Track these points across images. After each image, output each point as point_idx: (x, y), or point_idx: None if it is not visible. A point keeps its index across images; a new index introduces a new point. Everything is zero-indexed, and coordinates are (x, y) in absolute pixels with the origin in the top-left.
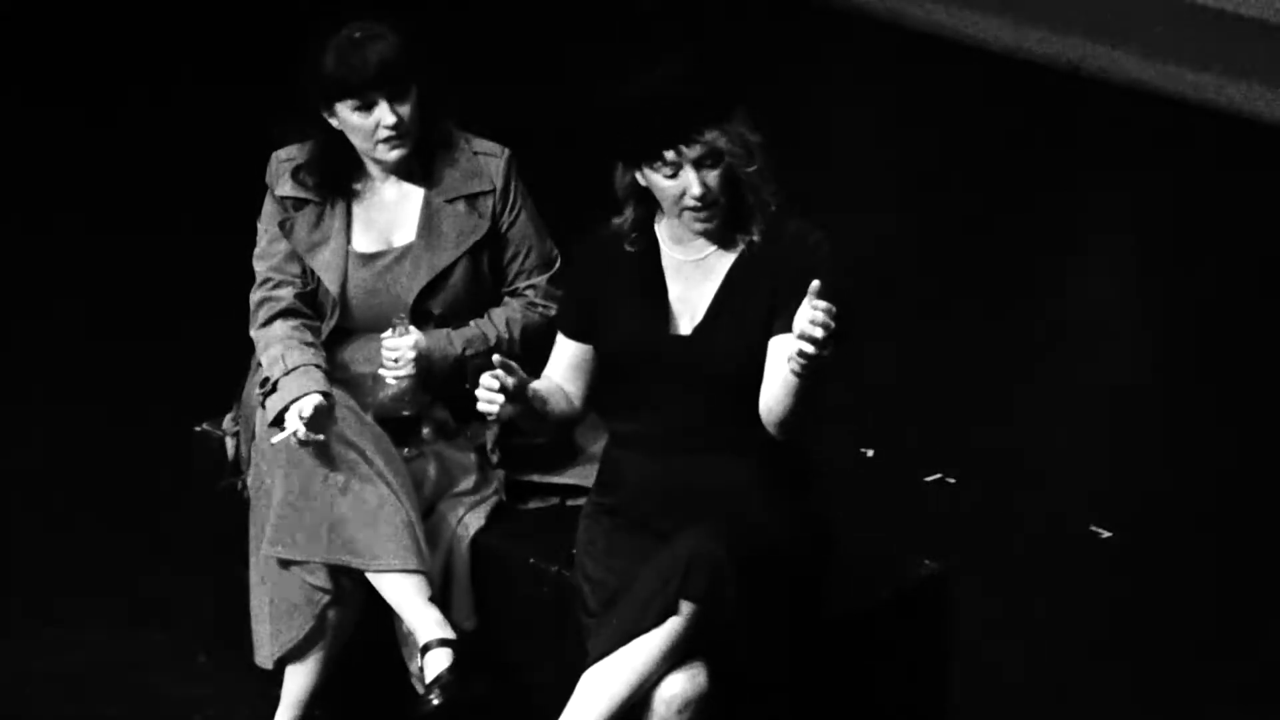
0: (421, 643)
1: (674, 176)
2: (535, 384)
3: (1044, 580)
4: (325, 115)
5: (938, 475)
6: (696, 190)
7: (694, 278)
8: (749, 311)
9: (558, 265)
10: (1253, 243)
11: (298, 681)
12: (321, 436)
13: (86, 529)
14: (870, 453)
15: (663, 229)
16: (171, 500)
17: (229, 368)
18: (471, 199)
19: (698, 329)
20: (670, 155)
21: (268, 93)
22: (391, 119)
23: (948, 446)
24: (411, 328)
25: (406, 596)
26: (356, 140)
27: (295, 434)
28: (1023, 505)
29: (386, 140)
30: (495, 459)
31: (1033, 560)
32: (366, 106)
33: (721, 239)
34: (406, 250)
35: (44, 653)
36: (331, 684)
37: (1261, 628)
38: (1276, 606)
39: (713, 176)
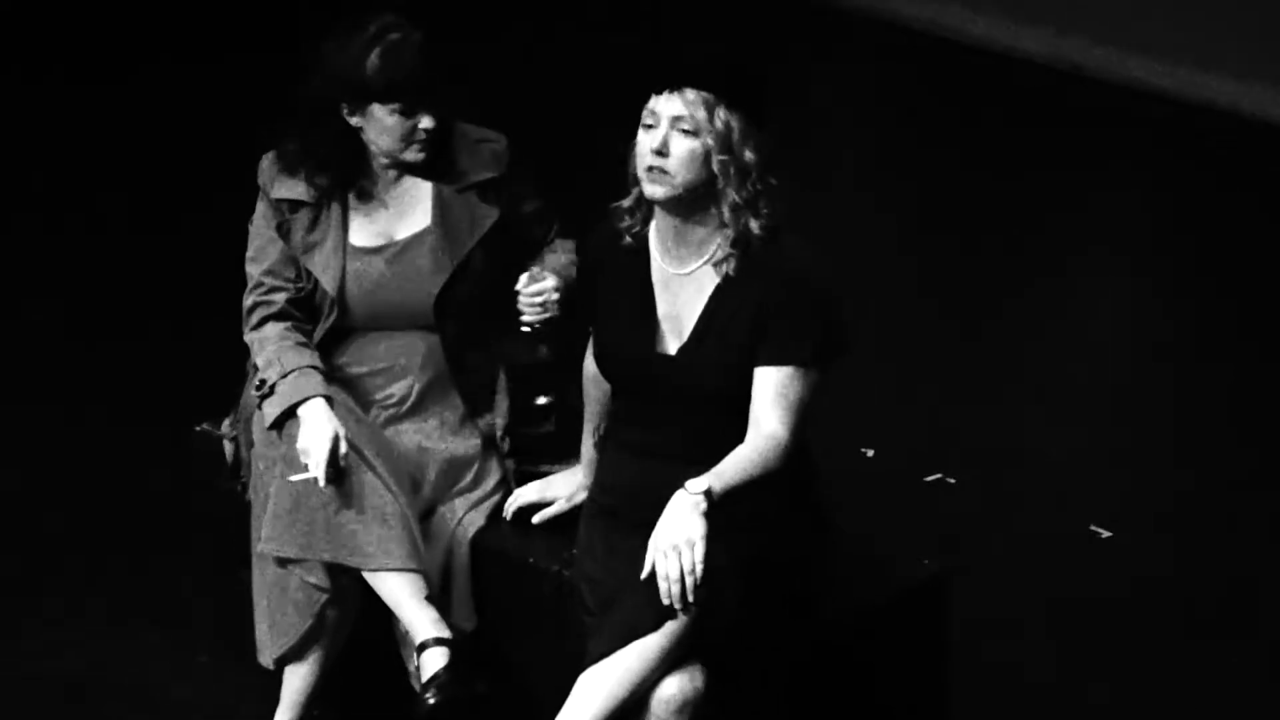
0: (418, 642)
1: (653, 129)
2: (594, 414)
3: (1044, 580)
4: (346, 111)
5: (938, 475)
6: (656, 142)
7: (682, 294)
8: (732, 333)
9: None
10: (1253, 243)
11: (297, 681)
12: (345, 461)
13: (86, 529)
14: (870, 453)
15: (654, 239)
16: (171, 500)
17: (229, 368)
18: (481, 187)
19: (683, 349)
20: (653, 104)
21: (267, 91)
22: (431, 124)
23: (948, 446)
24: (547, 272)
25: (403, 596)
26: (384, 139)
27: (317, 480)
28: (1023, 505)
29: (420, 143)
30: (506, 448)
31: (1033, 560)
32: (410, 111)
33: (689, 241)
34: (412, 243)
35: (44, 653)
36: (331, 684)
37: (1263, 628)
38: (1278, 606)
39: (680, 143)
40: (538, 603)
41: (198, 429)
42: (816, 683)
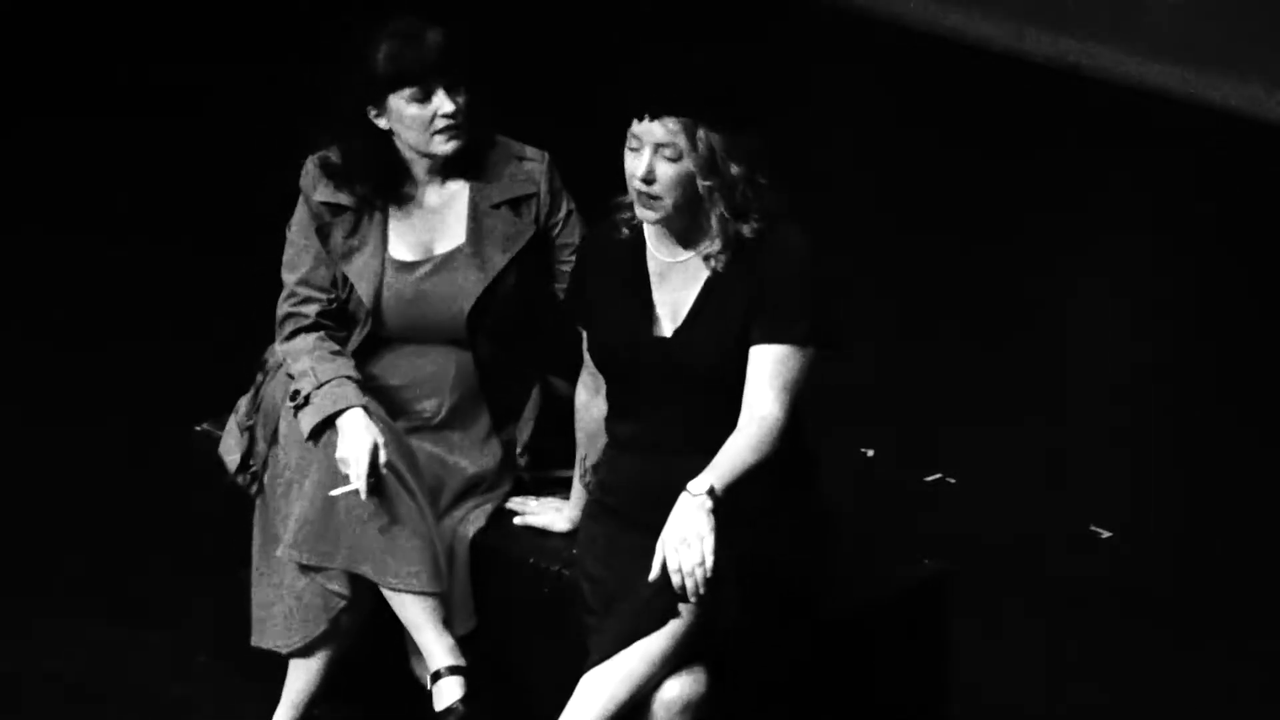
0: (432, 669)
1: (638, 153)
2: (583, 445)
3: (1044, 580)
4: (373, 114)
5: (938, 475)
6: (641, 170)
7: (677, 281)
8: (727, 315)
9: None
10: (1254, 242)
11: (299, 681)
12: (385, 469)
13: (86, 529)
14: (870, 453)
15: (649, 230)
16: (171, 500)
17: (229, 368)
18: (515, 204)
19: (677, 332)
20: (636, 128)
21: (271, 98)
22: (450, 107)
23: (948, 446)
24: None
25: (422, 619)
26: (410, 134)
27: (358, 491)
28: (1023, 505)
29: (444, 130)
30: (524, 462)
31: (1033, 560)
32: (424, 96)
33: (683, 240)
34: (449, 258)
35: (43, 653)
36: (332, 684)
37: (1263, 628)
38: (1278, 606)
39: (665, 169)
40: (538, 603)
41: (198, 429)
42: (816, 683)
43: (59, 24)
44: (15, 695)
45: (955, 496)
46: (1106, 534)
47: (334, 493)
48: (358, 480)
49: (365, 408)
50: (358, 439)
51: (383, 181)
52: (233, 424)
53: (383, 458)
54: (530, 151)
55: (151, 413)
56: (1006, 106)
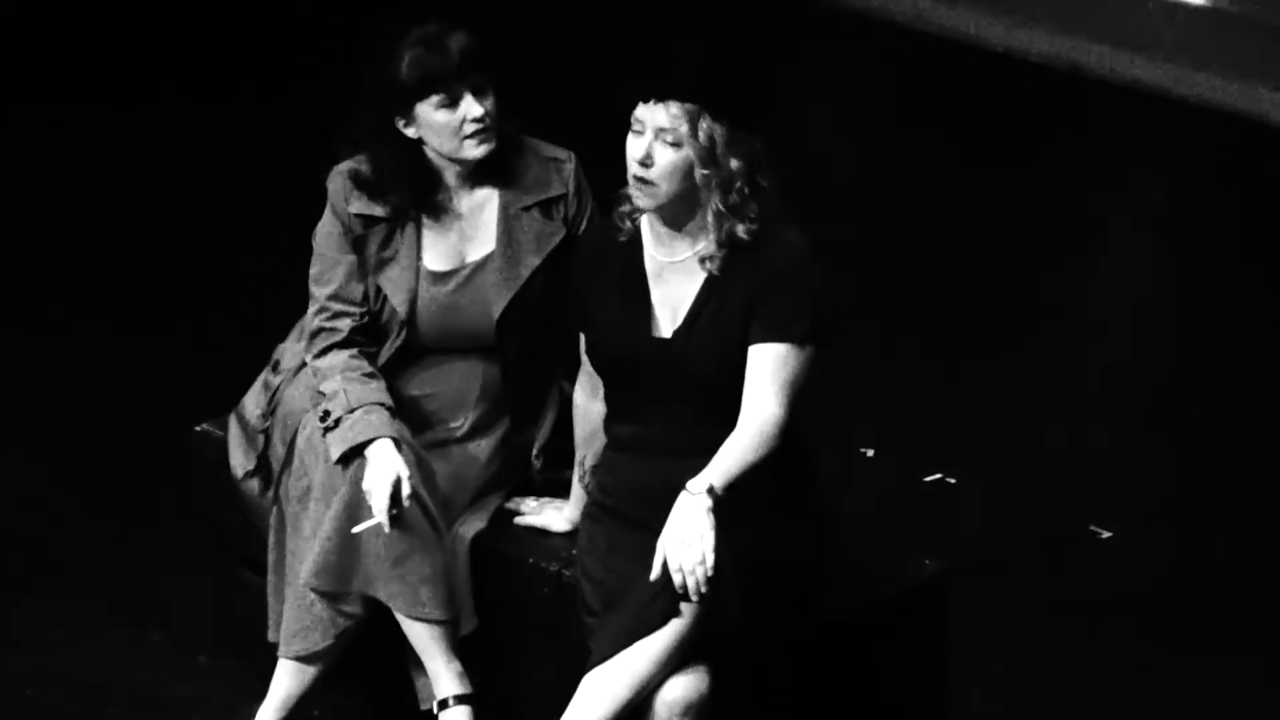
0: (440, 696)
1: (639, 136)
2: (582, 446)
3: (1044, 580)
4: (401, 124)
5: (938, 475)
6: (639, 153)
7: (675, 280)
8: (726, 315)
9: None
10: (1253, 242)
11: (289, 683)
12: (408, 502)
13: (86, 529)
14: (870, 453)
15: (646, 229)
16: (172, 500)
17: (229, 368)
18: (545, 205)
19: (677, 332)
20: (639, 112)
21: (266, 95)
22: (478, 110)
23: (948, 446)
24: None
25: (431, 645)
26: (440, 140)
27: (381, 525)
28: (1023, 505)
29: (474, 135)
30: (539, 464)
31: (1033, 560)
32: (452, 101)
33: (680, 238)
34: (482, 264)
35: (43, 653)
36: (331, 684)
37: (1263, 628)
38: (1278, 606)
39: (664, 154)
40: (538, 603)
41: (198, 429)
42: (816, 683)
43: (59, 23)
44: (16, 696)
45: (955, 496)
46: (1106, 534)
47: (356, 529)
48: (380, 514)
49: (394, 438)
50: (383, 472)
51: (417, 191)
52: (237, 424)
53: (406, 490)
54: (559, 152)
55: (151, 413)
56: (1006, 106)
